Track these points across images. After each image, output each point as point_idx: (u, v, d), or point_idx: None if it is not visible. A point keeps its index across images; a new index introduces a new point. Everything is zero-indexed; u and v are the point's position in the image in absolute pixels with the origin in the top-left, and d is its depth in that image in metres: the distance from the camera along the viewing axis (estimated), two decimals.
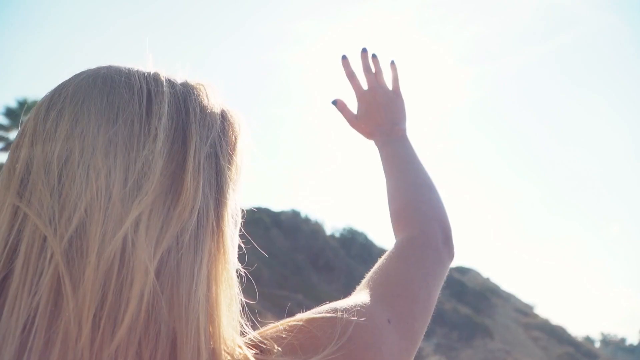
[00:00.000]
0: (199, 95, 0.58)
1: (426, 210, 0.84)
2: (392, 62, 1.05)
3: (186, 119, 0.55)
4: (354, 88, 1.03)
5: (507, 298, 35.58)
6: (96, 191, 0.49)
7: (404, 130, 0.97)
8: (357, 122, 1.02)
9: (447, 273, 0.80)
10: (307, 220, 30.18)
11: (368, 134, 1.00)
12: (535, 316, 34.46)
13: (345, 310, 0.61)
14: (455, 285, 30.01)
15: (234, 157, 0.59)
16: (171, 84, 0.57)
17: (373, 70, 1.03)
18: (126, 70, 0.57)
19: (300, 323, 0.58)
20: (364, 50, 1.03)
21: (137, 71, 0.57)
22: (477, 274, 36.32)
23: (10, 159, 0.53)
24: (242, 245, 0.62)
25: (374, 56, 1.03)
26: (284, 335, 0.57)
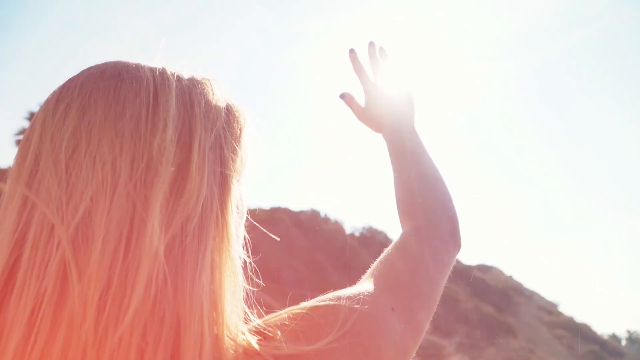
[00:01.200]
0: (204, 89, 0.59)
1: (432, 201, 0.84)
2: (400, 55, 1.04)
3: (191, 111, 0.56)
4: (361, 81, 1.03)
5: (530, 296, 35.09)
6: (102, 180, 0.51)
7: (411, 123, 0.97)
8: (365, 115, 1.01)
9: (453, 263, 0.80)
10: (326, 219, 30.16)
11: (376, 127, 1.00)
12: (560, 314, 33.91)
13: (349, 298, 0.61)
14: (477, 283, 29.71)
15: (238, 149, 0.60)
16: (177, 78, 0.59)
17: (380, 63, 1.03)
18: (134, 65, 0.58)
19: (304, 311, 0.59)
20: (371, 44, 1.03)
21: (145, 66, 0.58)
22: (500, 272, 35.86)
23: (20, 151, 0.55)
24: (247, 235, 0.63)
25: (381, 49, 1.03)
26: (287, 323, 0.58)
